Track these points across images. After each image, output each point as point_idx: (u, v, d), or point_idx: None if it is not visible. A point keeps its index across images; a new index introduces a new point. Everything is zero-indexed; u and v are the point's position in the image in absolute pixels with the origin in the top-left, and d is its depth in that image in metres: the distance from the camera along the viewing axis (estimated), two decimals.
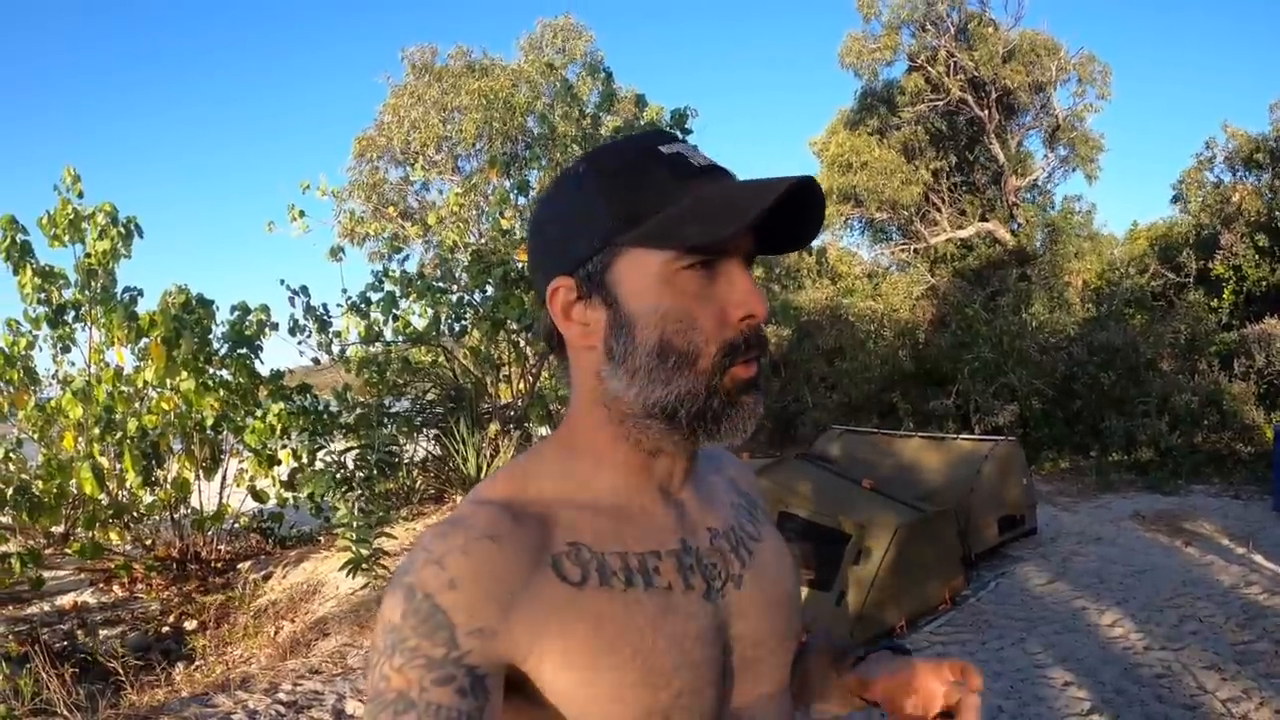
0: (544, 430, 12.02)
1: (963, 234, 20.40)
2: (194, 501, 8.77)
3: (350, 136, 19.30)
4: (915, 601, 6.10)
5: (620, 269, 0.87)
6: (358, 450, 8.65)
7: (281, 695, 4.89)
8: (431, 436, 10.73)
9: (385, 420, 9.81)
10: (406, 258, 12.59)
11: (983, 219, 20.50)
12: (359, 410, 9.70)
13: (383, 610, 0.82)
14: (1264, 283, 14.64)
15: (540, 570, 0.85)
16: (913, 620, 6.06)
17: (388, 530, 7.24)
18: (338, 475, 8.31)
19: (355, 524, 6.71)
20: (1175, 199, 18.55)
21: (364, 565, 6.59)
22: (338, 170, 20.05)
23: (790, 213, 0.89)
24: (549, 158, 14.19)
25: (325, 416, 9.48)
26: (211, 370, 8.84)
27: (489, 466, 9.55)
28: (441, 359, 10.85)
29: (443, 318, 10.03)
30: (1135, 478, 10.92)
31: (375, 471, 8.66)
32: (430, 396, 11.28)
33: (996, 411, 12.64)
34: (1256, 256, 14.87)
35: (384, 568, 6.77)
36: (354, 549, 6.58)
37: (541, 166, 12.72)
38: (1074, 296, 16.30)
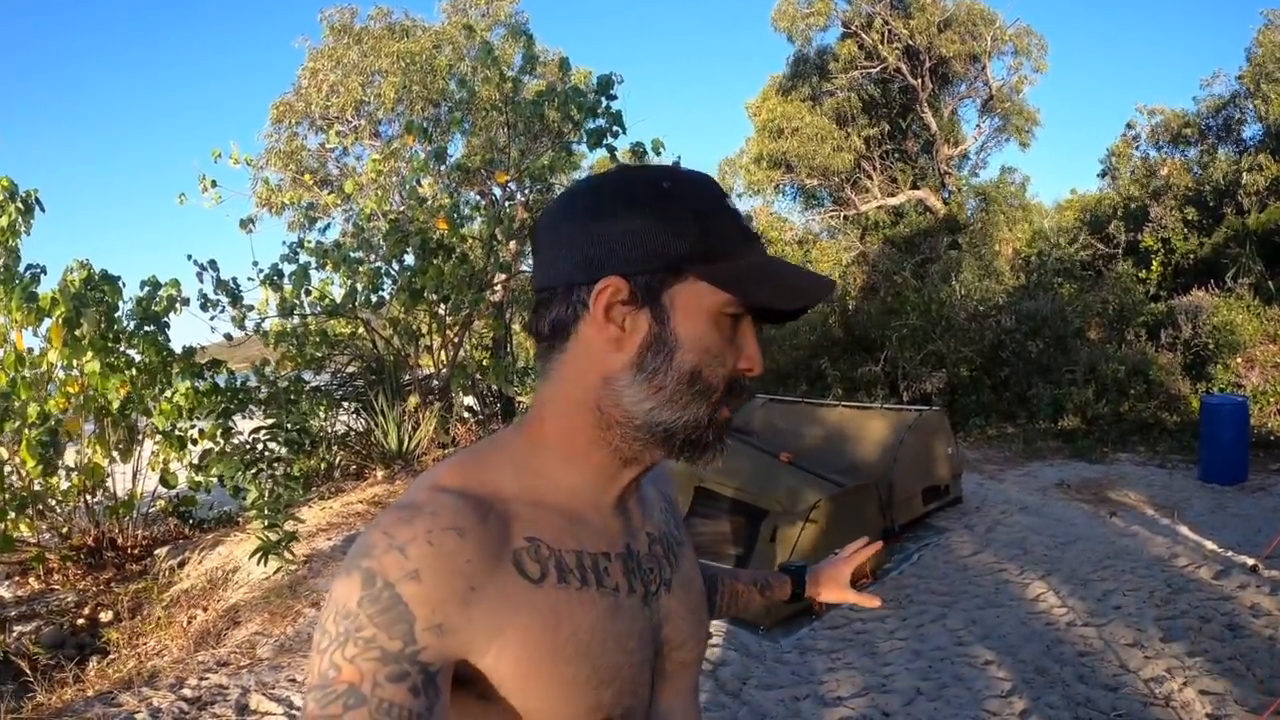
0: (469, 400, 11.64)
1: (894, 201, 20.29)
2: (113, 487, 8.37)
3: (269, 102, 18.52)
4: None
5: (679, 294, 0.88)
6: (268, 430, 8.27)
7: (187, 691, 4.65)
8: (352, 411, 10.35)
9: (303, 395, 9.38)
10: (327, 227, 12.18)
11: (914, 187, 20.41)
12: (278, 385, 9.26)
13: (336, 592, 0.79)
14: (1192, 255, 14.75)
15: (502, 565, 0.84)
16: None
17: (296, 514, 6.92)
18: (246, 456, 7.83)
19: (265, 508, 6.42)
20: (1103, 173, 18.78)
21: (274, 551, 6.30)
22: (255, 138, 19.03)
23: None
24: (471, 122, 13.63)
25: (241, 393, 8.98)
26: (122, 349, 8.24)
27: (410, 440, 9.27)
28: (361, 331, 10.42)
29: (359, 288, 9.63)
30: (1062, 445, 10.87)
31: (286, 451, 8.37)
32: (351, 370, 10.86)
33: (924, 379, 12.55)
34: (1185, 229, 15.00)
35: (293, 554, 6.48)
36: (262, 535, 6.30)
37: (462, 131, 12.15)
38: (1004, 265, 16.29)
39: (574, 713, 0.86)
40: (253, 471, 7.35)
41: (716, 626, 5.48)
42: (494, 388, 11.05)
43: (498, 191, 11.71)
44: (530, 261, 12.33)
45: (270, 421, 8.43)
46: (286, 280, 9.45)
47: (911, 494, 7.20)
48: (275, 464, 7.80)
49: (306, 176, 15.56)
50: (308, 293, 9.67)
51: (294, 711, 4.32)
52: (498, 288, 12.37)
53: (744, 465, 6.15)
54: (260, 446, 8.20)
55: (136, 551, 8.14)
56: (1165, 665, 4.56)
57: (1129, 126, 18.09)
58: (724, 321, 0.89)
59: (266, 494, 6.67)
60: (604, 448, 0.92)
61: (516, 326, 12.71)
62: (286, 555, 6.38)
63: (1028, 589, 5.81)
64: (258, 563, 6.34)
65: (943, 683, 4.53)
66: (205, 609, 6.41)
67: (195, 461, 8.69)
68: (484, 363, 10.85)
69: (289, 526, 6.51)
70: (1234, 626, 5.02)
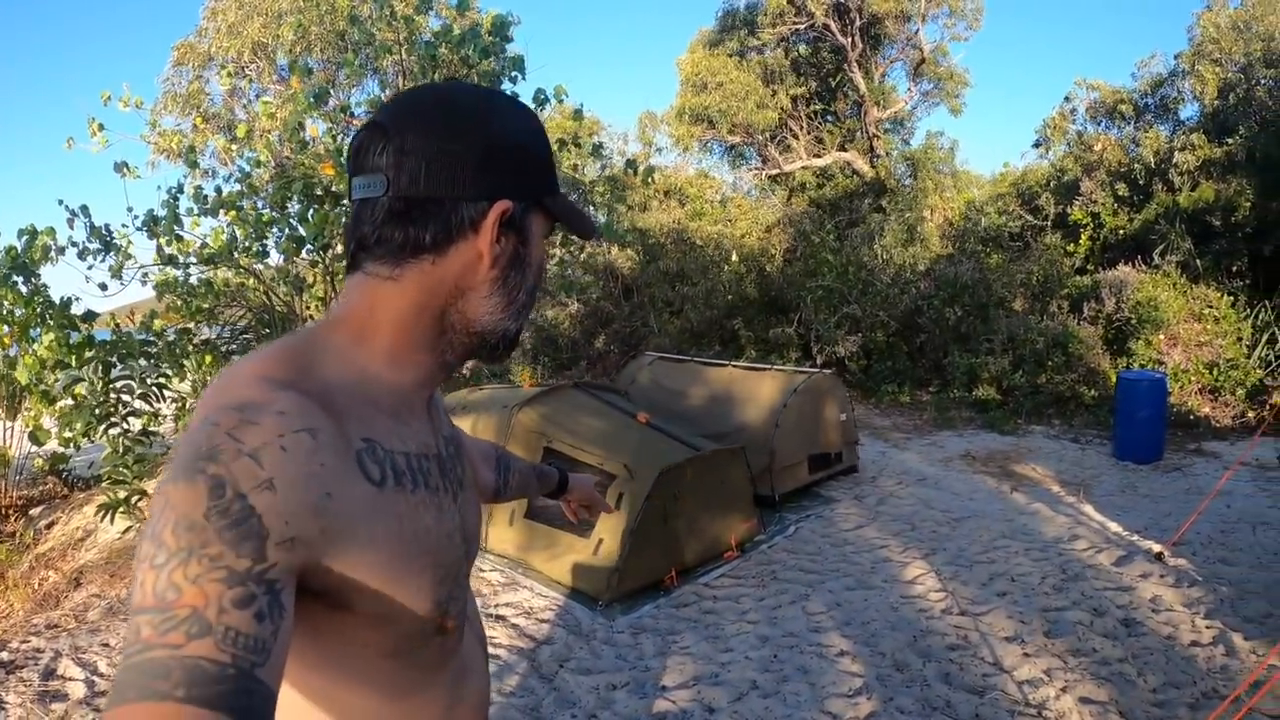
0: None
1: (820, 162, 19.57)
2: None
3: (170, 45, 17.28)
4: (693, 550, 5.12)
5: (534, 220, 0.97)
6: (120, 383, 7.62)
7: (4, 655, 4.40)
8: None
9: (191, 349, 8.66)
10: (231, 176, 11.29)
11: (841, 149, 19.70)
12: (165, 339, 8.54)
13: (175, 499, 0.70)
14: (1121, 231, 14.38)
15: (349, 468, 0.81)
16: (689, 569, 5.07)
17: (151, 470, 6.66)
18: (97, 411, 7.10)
19: (116, 464, 6.18)
20: (1037, 144, 18.45)
21: (122, 509, 5.97)
22: (155, 82, 17.74)
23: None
24: (372, 66, 12.67)
25: (122, 347, 8.15)
26: None
27: None
28: (252, 282, 9.51)
29: (240, 236, 8.79)
30: (975, 415, 10.32)
31: (136, 404, 7.75)
32: (243, 322, 10.04)
33: (839, 342, 11.91)
34: (1115, 204, 14.64)
35: (141, 512, 6.11)
36: (109, 492, 6.04)
37: (354, 71, 11.23)
38: (931, 232, 15.74)
39: (425, 613, 0.89)
40: (104, 426, 6.99)
41: (549, 600, 4.75)
42: None
43: None
44: None
45: (123, 373, 7.70)
46: (159, 227, 8.61)
47: (795, 461, 6.51)
48: (129, 419, 7.41)
49: (198, 119, 14.40)
50: (179, 239, 8.81)
51: (95, 678, 4.07)
52: None
53: (597, 425, 5.39)
54: (114, 399, 7.62)
55: (12, 512, 7.89)
56: (1045, 665, 3.91)
57: (1067, 99, 17.77)
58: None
59: (121, 450, 6.38)
60: (430, 351, 0.94)
61: None
62: (135, 513, 6.02)
63: (906, 569, 5.14)
64: (105, 520, 6.07)
65: (784, 675, 3.82)
66: (59, 570, 6.24)
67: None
68: None
69: (140, 484, 6.19)
70: (1130, 622, 4.40)
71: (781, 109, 19.39)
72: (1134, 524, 6.04)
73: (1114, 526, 6.01)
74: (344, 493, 0.79)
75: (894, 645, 4.07)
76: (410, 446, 0.92)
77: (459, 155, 0.89)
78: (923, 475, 7.46)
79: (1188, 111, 15.88)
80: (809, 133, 20.18)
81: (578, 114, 10.73)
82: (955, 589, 4.79)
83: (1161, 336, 10.62)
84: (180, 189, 8.83)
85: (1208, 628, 4.37)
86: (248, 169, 9.50)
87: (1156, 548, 5.46)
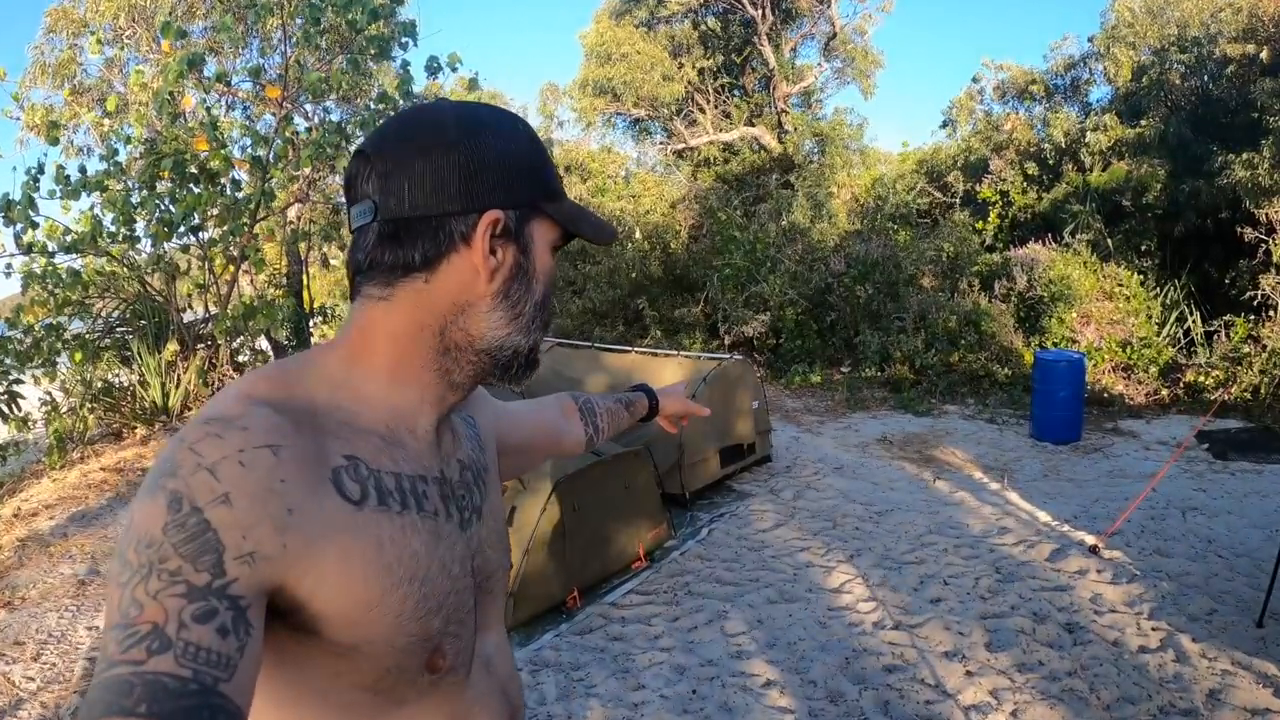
0: (263, 343, 10.08)
1: (726, 137, 19.06)
2: None
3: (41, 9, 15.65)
4: (597, 564, 4.57)
5: (536, 228, 0.92)
6: None
7: None
8: (118, 361, 8.75)
9: (61, 345, 7.95)
10: (91, 153, 10.18)
11: (749, 124, 19.22)
12: (34, 334, 7.80)
13: (138, 517, 0.72)
14: (1030, 210, 14.37)
15: (320, 485, 0.78)
16: (593, 586, 4.51)
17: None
18: None
19: None
20: (945, 124, 18.41)
21: None
22: (25, 50, 16.14)
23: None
24: (255, 31, 11.69)
25: None
26: None
27: (176, 393, 7.98)
28: (124, 269, 8.59)
29: (106, 219, 8.06)
30: (888, 396, 10.01)
31: None
32: (116, 314, 9.17)
33: (747, 321, 11.49)
34: (1024, 183, 14.61)
35: None
36: None
37: (233, 38, 10.24)
38: (839, 209, 15.47)
39: (405, 644, 0.83)
40: None
41: None
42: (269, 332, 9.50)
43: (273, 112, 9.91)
44: (323, 186, 10.80)
45: None
46: (13, 211, 7.76)
47: (706, 455, 6.01)
48: None
49: (67, 92, 13.12)
50: (35, 225, 7.84)
51: None
52: (292, 217, 10.66)
53: None
54: None
55: None
56: (990, 685, 3.48)
57: (974, 80, 17.75)
58: (553, 254, 0.95)
59: None
60: (434, 371, 0.90)
61: (321, 261, 11.22)
62: None
63: (831, 575, 4.67)
64: None
65: (705, 713, 3.29)
66: None
67: None
68: (252, 304, 9.10)
69: None
70: (1073, 627, 4.03)
71: (688, 82, 18.82)
72: (1062, 512, 5.73)
73: (1043, 516, 5.68)
74: (311, 510, 0.76)
75: (825, 671, 3.58)
76: (404, 468, 0.87)
77: (443, 171, 0.88)
78: (839, 463, 7.06)
79: (1099, 93, 16.03)
80: (716, 107, 19.67)
81: (473, 84, 10.01)
82: (885, 597, 4.35)
83: (1074, 314, 10.49)
84: (41, 169, 7.98)
85: (1154, 629, 4.04)
86: (117, 145, 8.61)
87: (1090, 540, 5.13)
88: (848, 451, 7.52)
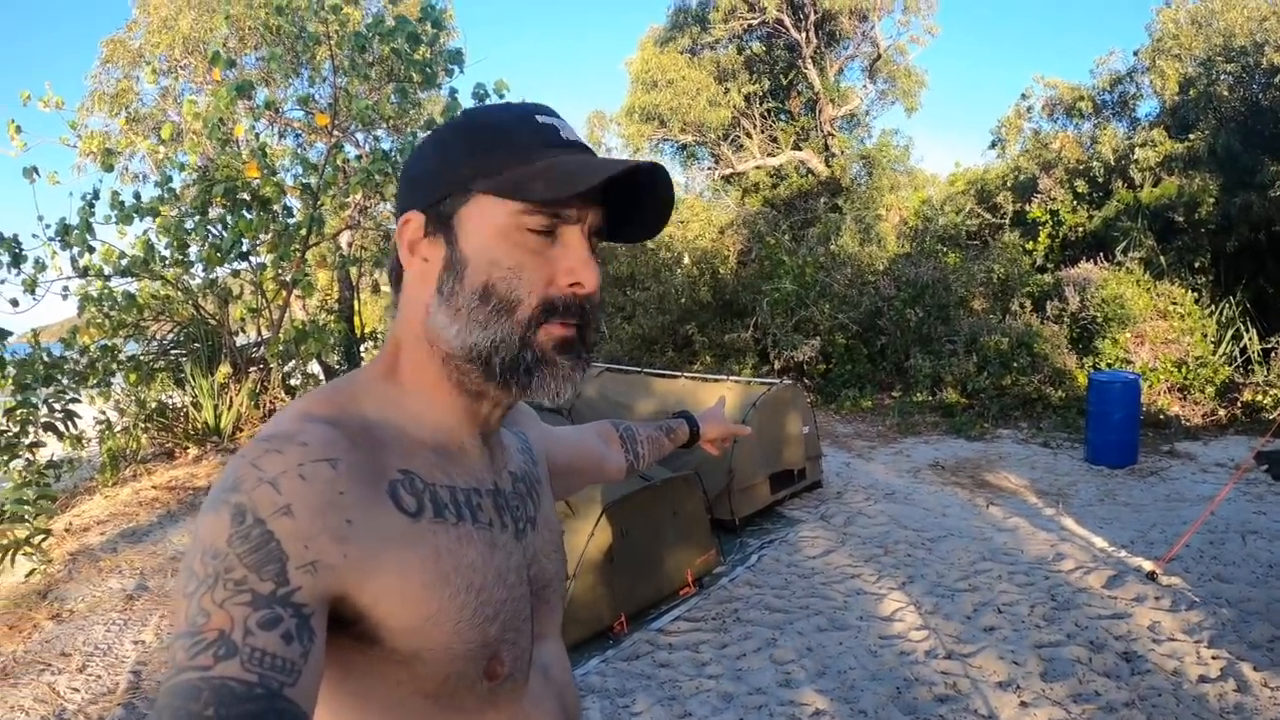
0: (314, 367, 10.32)
1: (774, 162, 19.11)
2: None
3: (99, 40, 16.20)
4: (645, 590, 4.59)
5: (468, 213, 0.87)
6: (19, 409, 7.00)
7: None
8: (171, 383, 9.06)
9: (116, 366, 8.17)
10: (145, 180, 10.56)
11: (796, 148, 19.26)
12: (90, 356, 8.00)
13: (202, 529, 0.74)
14: (1080, 228, 14.16)
15: (377, 498, 0.81)
16: (641, 612, 4.54)
17: (53, 508, 5.95)
18: None
19: (16, 500, 5.51)
20: (994, 144, 18.25)
21: (25, 550, 5.34)
22: (82, 80, 16.77)
23: (638, 199, 0.93)
24: (304, 61, 12.06)
25: (42, 365, 7.50)
26: None
27: (228, 414, 8.16)
28: (178, 293, 8.90)
29: (160, 244, 8.24)
30: (940, 420, 9.92)
31: (42, 434, 7.21)
32: (170, 337, 9.46)
33: (797, 346, 11.47)
34: (1074, 201, 14.41)
35: (43, 553, 5.45)
36: (10, 532, 5.38)
37: (283, 66, 10.57)
38: (888, 231, 15.40)
39: (464, 651, 0.85)
40: (5, 459, 6.49)
41: None
42: (323, 356, 9.72)
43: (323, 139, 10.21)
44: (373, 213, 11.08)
45: (17, 400, 7.06)
46: (72, 237, 8.06)
47: (756, 481, 6.03)
48: (32, 450, 6.92)
49: (123, 121, 13.59)
50: (92, 249, 8.14)
51: None
52: (343, 243, 10.94)
53: None
54: (19, 429, 6.99)
55: None
56: (1046, 716, 3.45)
57: (1023, 97, 17.59)
58: (524, 235, 0.86)
59: (22, 484, 5.80)
60: (448, 381, 0.90)
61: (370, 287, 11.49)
62: (39, 554, 5.41)
63: (882, 603, 4.65)
64: (6, 561, 5.36)
65: None
66: None
67: None
68: (303, 329, 9.34)
69: (42, 522, 5.54)
70: (1131, 656, 3.96)
71: (734, 107, 18.92)
72: (1119, 538, 5.64)
73: (1099, 542, 5.60)
74: (369, 521, 0.78)
75: (876, 701, 3.57)
76: (458, 481, 0.90)
77: (404, 179, 0.93)
78: (891, 489, 7.02)
79: (1146, 108, 15.80)
80: (762, 131, 19.74)
81: None
82: (938, 625, 4.32)
83: (1128, 334, 10.33)
84: (96, 195, 8.20)
85: (1214, 658, 3.96)
86: (170, 172, 8.90)
87: (1148, 566, 5.05)
88: (899, 477, 7.48)
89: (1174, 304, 10.73)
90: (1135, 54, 15.73)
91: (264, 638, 0.68)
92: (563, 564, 1.08)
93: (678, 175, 21.01)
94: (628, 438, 1.51)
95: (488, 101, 9.32)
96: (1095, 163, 14.46)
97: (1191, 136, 12.87)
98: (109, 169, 9.08)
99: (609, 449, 1.46)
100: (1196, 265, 12.00)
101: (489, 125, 0.89)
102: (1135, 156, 13.66)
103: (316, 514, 0.74)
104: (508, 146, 0.87)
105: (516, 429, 1.12)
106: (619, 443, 1.50)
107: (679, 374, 7.27)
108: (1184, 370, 9.83)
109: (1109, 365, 10.14)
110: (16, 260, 7.95)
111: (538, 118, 0.89)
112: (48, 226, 8.04)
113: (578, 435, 1.40)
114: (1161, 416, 9.20)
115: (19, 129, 8.34)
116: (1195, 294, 11.04)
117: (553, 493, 1.21)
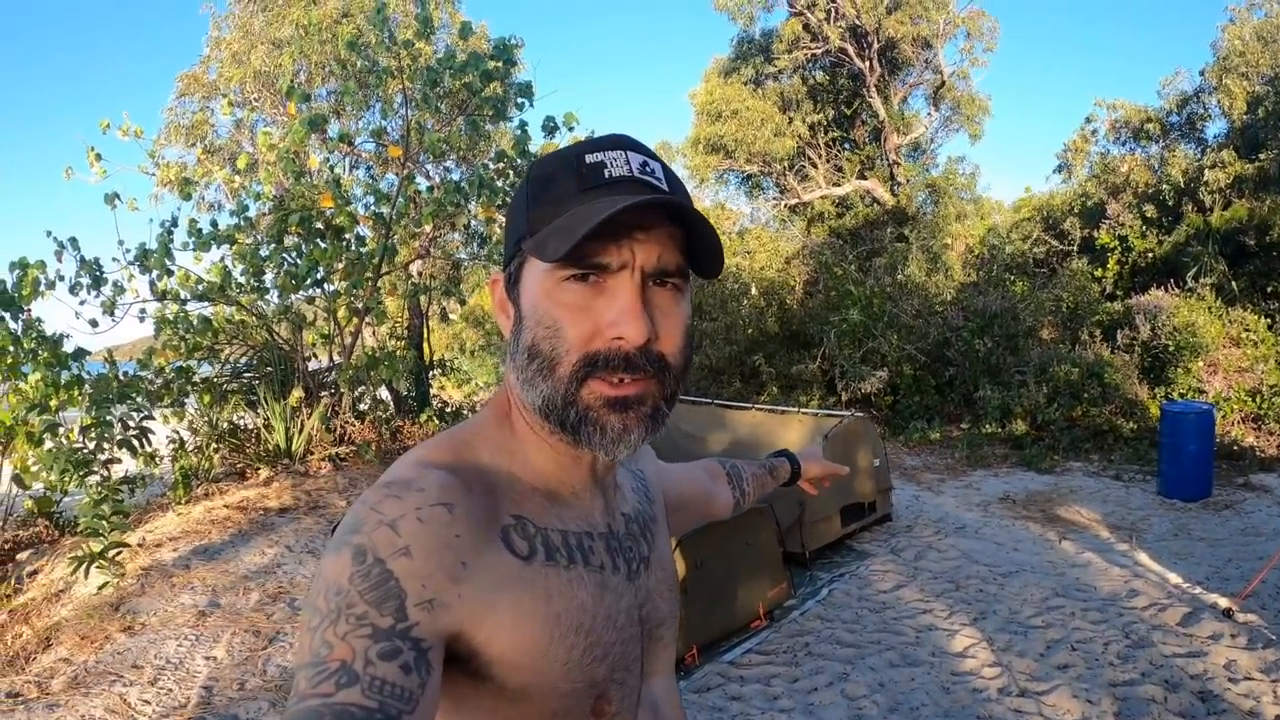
0: (384, 393, 10.64)
1: (839, 191, 19.19)
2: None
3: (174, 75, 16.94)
4: (717, 622, 4.72)
5: (525, 272, 0.89)
6: (95, 427, 7.22)
7: None
8: (243, 405, 9.30)
9: (190, 388, 8.52)
10: (221, 208, 11.03)
11: (861, 177, 19.31)
12: (166, 377, 8.32)
13: (326, 568, 0.78)
14: (1150, 254, 13.94)
15: (491, 542, 0.84)
16: (712, 644, 4.67)
17: (127, 523, 6.14)
18: (75, 456, 6.78)
19: (92, 514, 5.69)
20: (1060, 168, 18.07)
21: (94, 563, 5.49)
22: (159, 113, 17.56)
23: (696, 230, 0.87)
24: (376, 95, 12.52)
25: (119, 384, 7.86)
26: None
27: (299, 438, 8.37)
28: (252, 318, 9.27)
29: (236, 271, 8.59)
30: (1009, 453, 9.87)
31: (116, 451, 7.39)
32: (243, 360, 9.78)
33: (864, 378, 11.50)
34: (1143, 227, 14.21)
35: (119, 567, 5.63)
36: (85, 545, 5.58)
37: (355, 101, 10.98)
38: (954, 260, 15.35)
39: (571, 690, 0.87)
40: (82, 473, 6.54)
41: None
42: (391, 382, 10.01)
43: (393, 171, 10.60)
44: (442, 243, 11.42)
45: (93, 417, 7.30)
46: (151, 261, 8.44)
47: (827, 514, 6.12)
48: (107, 465, 6.99)
49: (200, 152, 14.20)
50: (170, 274, 8.54)
51: None
52: (414, 272, 11.29)
53: None
54: (94, 445, 7.21)
55: None
56: None
57: (1088, 121, 17.43)
58: (565, 289, 0.85)
59: (98, 499, 5.87)
60: (547, 432, 0.90)
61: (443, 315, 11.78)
62: (113, 567, 5.57)
63: (955, 639, 4.71)
64: (77, 572, 5.56)
65: None
66: (31, 626, 5.51)
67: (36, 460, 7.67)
68: (374, 355, 9.67)
69: (117, 536, 5.72)
70: (1207, 695, 3.98)
71: (799, 137, 19.05)
72: (1194, 574, 5.62)
73: (1173, 578, 5.58)
74: (483, 564, 0.81)
75: None
76: (569, 525, 0.92)
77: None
78: (961, 523, 7.05)
79: (1215, 128, 15.54)
80: (828, 161, 19.84)
81: None
82: (1011, 662, 4.38)
83: (1201, 363, 10.19)
84: (175, 222, 8.59)
85: None
86: (246, 201, 9.29)
87: (1224, 603, 5.03)
88: (969, 510, 7.49)
89: (1247, 330, 10.56)
90: (1201, 73, 15.52)
91: (384, 668, 0.71)
92: (676, 602, 1.08)
93: (743, 205, 21.16)
94: (734, 475, 1.53)
95: (557, 135, 9.61)
96: (1165, 186, 14.26)
97: (1261, 156, 12.68)
98: (187, 198, 9.51)
99: (716, 486, 1.48)
100: (1269, 290, 11.78)
101: (539, 178, 0.89)
102: (1205, 179, 13.47)
103: (433, 555, 0.77)
104: (547, 200, 0.86)
105: (635, 467, 1.14)
106: (725, 480, 1.52)
107: (749, 406, 7.40)
108: (1259, 399, 9.67)
109: (1181, 395, 10.02)
110: (97, 282, 8.32)
111: (586, 158, 0.87)
112: (127, 251, 8.35)
113: (689, 472, 1.42)
114: (1236, 447, 9.06)
115: (99, 156, 8.75)
116: (1269, 320, 10.84)
117: (673, 528, 1.23)
